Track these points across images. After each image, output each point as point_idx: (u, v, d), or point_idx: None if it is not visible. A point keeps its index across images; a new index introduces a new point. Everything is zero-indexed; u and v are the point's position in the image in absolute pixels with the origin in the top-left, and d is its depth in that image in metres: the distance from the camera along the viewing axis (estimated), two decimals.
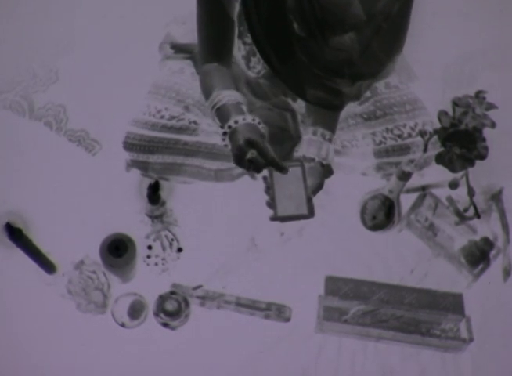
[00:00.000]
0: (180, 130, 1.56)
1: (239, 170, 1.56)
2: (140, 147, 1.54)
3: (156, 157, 1.54)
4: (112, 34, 1.71)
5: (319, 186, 1.42)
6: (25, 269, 1.42)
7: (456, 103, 1.35)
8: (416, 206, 1.56)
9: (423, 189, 1.56)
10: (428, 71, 1.71)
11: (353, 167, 1.60)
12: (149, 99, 1.59)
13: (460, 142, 1.34)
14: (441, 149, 1.36)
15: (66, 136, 1.60)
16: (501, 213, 1.54)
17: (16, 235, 1.31)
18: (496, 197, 1.55)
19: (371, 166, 1.60)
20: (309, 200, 1.35)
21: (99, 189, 1.54)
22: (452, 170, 1.37)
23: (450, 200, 1.53)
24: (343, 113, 1.60)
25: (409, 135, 1.59)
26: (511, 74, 1.73)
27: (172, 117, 1.56)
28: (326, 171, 1.45)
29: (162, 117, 1.56)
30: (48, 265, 1.42)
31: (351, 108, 1.64)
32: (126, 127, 1.56)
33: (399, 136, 1.60)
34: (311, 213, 1.35)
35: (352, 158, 1.60)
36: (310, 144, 1.45)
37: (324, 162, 1.43)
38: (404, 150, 1.59)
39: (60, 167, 1.57)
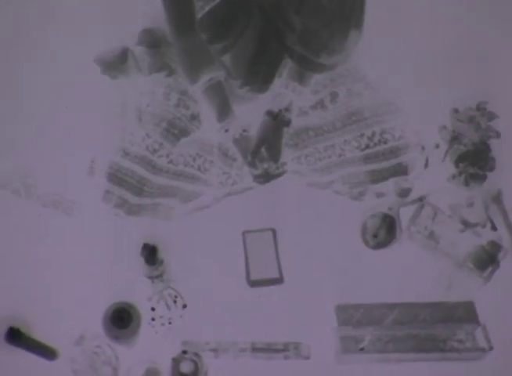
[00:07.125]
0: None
1: None
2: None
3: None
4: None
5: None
6: (26, 361, 1.32)
7: (458, 119, 1.31)
8: (415, 217, 1.52)
9: (421, 200, 1.52)
10: (428, 73, 1.63)
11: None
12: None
13: (472, 160, 1.31)
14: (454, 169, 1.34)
15: (39, 201, 1.46)
16: (504, 214, 1.52)
17: (15, 337, 1.20)
18: (497, 199, 1.53)
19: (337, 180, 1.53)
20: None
21: (89, 258, 1.43)
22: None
23: (453, 208, 1.50)
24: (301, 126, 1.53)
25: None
26: (511, 75, 1.67)
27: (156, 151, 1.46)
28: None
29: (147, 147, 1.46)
30: (48, 353, 1.33)
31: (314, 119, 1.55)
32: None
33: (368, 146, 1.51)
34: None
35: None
36: None
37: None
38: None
39: (44, 237, 1.45)
